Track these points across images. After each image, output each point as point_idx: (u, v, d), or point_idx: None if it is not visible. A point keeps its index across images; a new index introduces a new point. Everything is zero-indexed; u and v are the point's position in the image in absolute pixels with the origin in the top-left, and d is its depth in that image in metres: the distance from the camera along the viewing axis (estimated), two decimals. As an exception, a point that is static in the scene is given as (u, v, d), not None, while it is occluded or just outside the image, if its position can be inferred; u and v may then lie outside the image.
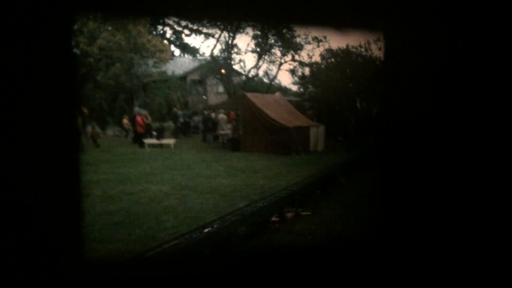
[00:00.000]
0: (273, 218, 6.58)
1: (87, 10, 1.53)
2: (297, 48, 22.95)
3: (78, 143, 1.37)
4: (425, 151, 1.75)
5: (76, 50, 20.44)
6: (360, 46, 19.53)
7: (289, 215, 6.89)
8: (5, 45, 1.22)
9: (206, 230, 4.93)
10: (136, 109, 18.43)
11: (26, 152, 1.27)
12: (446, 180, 1.76)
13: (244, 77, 24.19)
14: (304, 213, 7.13)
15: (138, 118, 15.93)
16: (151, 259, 3.59)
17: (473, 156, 1.77)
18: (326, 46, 22.52)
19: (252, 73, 24.04)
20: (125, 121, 18.65)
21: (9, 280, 1.28)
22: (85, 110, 16.50)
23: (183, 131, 19.14)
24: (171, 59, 24.86)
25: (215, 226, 5.10)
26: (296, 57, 23.60)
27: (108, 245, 5.13)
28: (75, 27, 19.73)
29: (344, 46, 20.54)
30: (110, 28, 19.80)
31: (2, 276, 1.27)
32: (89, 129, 15.47)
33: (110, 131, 19.71)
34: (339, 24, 1.71)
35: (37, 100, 1.26)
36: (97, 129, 16.86)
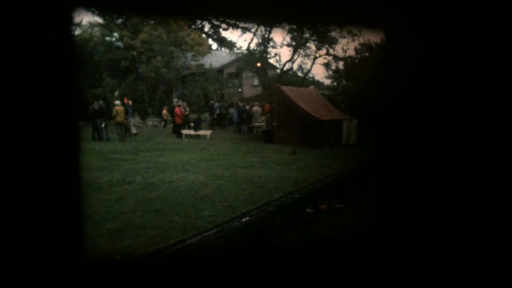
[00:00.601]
0: (308, 210, 6.52)
1: (90, 4, 1.49)
2: (332, 42, 22.59)
3: (79, 141, 1.34)
4: (426, 150, 1.70)
5: (120, 44, 20.89)
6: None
7: (323, 207, 6.80)
8: (3, 41, 1.20)
9: (244, 219, 4.93)
10: (175, 100, 18.66)
11: (25, 150, 1.25)
12: (447, 180, 1.72)
13: (278, 71, 24.04)
14: (337, 205, 7.02)
15: (177, 109, 16.12)
16: (151, 258, 3.61)
17: (474, 156, 1.72)
18: (361, 40, 22.08)
19: (287, 66, 23.86)
20: (165, 112, 18.93)
21: (9, 280, 1.27)
22: (130, 102, 16.84)
23: (218, 122, 19.25)
24: (209, 52, 25.01)
25: (253, 215, 5.10)
26: (331, 51, 23.26)
27: (149, 231, 5.21)
28: (120, 21, 20.12)
29: (379, 41, 20.08)
30: (152, 22, 20.08)
31: (2, 276, 1.26)
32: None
33: (149, 121, 20.07)
34: (340, 22, 1.70)
35: (36, 96, 1.23)
36: (132, 119, 17.07)
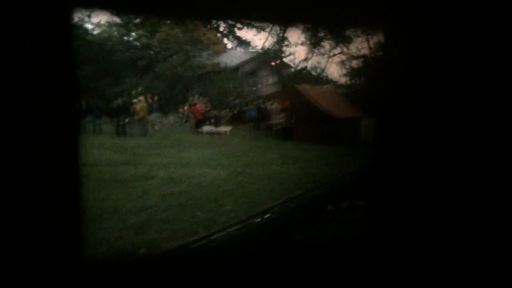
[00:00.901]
0: (329, 207, 6.43)
1: (89, 5, 1.48)
2: (347, 41, 22.32)
3: (78, 141, 1.30)
4: (425, 149, 1.68)
5: (137, 43, 20.98)
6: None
7: (344, 204, 6.70)
8: (3, 40, 1.16)
9: (266, 216, 4.88)
10: (196, 97, 18.68)
11: (25, 151, 1.22)
12: (446, 180, 1.69)
13: (293, 69, 23.90)
14: (358, 203, 6.91)
15: (198, 106, 16.17)
16: (151, 258, 3.61)
17: (473, 155, 1.70)
18: (376, 39, 21.78)
19: (302, 65, 23.70)
20: (185, 108, 18.97)
21: (9, 280, 1.23)
22: (155, 98, 16.92)
23: (237, 119, 19.21)
24: (224, 51, 24.96)
25: (275, 212, 5.04)
26: (346, 49, 23.00)
27: (173, 225, 5.18)
28: (138, 20, 20.21)
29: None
30: (169, 22, 20.10)
31: (2, 276, 1.23)
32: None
33: (170, 118, 20.14)
34: (340, 22, 1.75)
35: (35, 96, 1.21)
36: (157, 115, 17.15)
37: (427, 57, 1.63)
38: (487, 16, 1.61)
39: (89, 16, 20.22)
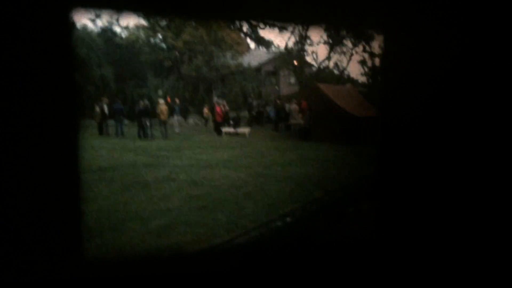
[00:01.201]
0: (350, 209, 6.34)
1: (90, 4, 1.46)
2: (369, 38, 21.98)
3: (78, 142, 1.29)
4: (425, 150, 1.67)
5: (163, 45, 21.21)
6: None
7: (365, 207, 6.59)
8: (3, 40, 1.15)
9: (288, 218, 4.84)
10: (215, 99, 18.77)
11: (25, 151, 1.21)
12: (446, 180, 1.68)
13: (315, 68, 23.70)
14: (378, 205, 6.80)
15: (217, 108, 16.21)
16: (151, 258, 3.62)
17: (473, 155, 1.68)
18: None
19: (324, 64, 23.47)
20: (206, 110, 19.06)
21: (8, 280, 1.23)
22: (177, 101, 17.08)
23: (257, 120, 19.20)
24: (247, 51, 24.96)
25: (296, 215, 5.00)
26: (367, 48, 22.64)
27: (195, 228, 5.19)
28: (164, 23, 20.41)
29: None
30: (194, 23, 20.23)
31: (2, 276, 1.22)
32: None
33: (191, 120, 20.28)
34: (340, 22, 1.79)
35: (35, 98, 1.20)
36: (178, 118, 17.28)
37: (427, 57, 1.62)
38: (488, 16, 1.60)
39: (117, 20, 20.62)
